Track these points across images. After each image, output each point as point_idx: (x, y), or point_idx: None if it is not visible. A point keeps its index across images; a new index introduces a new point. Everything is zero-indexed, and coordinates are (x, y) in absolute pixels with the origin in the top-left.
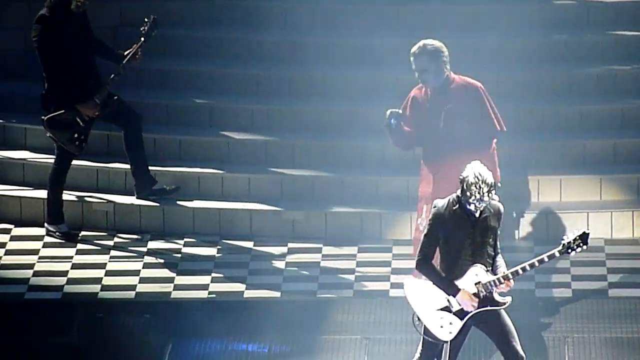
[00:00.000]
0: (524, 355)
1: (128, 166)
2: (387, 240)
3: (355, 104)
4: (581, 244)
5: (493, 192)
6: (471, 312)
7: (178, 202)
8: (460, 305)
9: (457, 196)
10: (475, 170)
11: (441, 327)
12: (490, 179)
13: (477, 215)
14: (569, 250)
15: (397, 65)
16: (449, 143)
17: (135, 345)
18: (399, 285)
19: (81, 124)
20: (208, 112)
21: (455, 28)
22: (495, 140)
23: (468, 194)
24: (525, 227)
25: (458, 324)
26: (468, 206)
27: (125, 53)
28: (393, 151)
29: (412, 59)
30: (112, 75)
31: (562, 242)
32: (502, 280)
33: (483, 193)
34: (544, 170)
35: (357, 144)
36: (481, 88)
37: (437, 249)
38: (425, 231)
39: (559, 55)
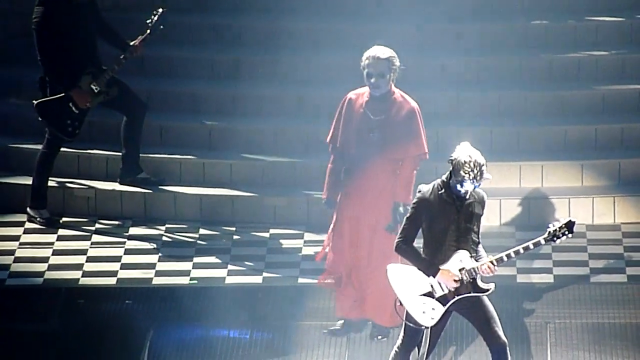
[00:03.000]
0: (506, 340)
1: (109, 152)
2: None
3: (338, 89)
4: (567, 232)
5: (485, 171)
6: (454, 298)
7: (159, 188)
8: (442, 286)
9: (443, 181)
10: (465, 150)
11: (423, 312)
12: (481, 159)
13: (466, 197)
14: (555, 239)
15: None
16: (373, 154)
17: (116, 331)
18: None
19: (75, 110)
20: (190, 97)
21: (436, 15)
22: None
23: (462, 173)
24: (506, 212)
25: (440, 309)
26: (459, 187)
27: (131, 43)
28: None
29: (368, 62)
30: (113, 64)
31: (548, 229)
32: (487, 267)
33: (477, 172)
34: (525, 156)
35: None
36: (417, 109)
37: (422, 234)
38: (408, 214)
39: (539, 41)
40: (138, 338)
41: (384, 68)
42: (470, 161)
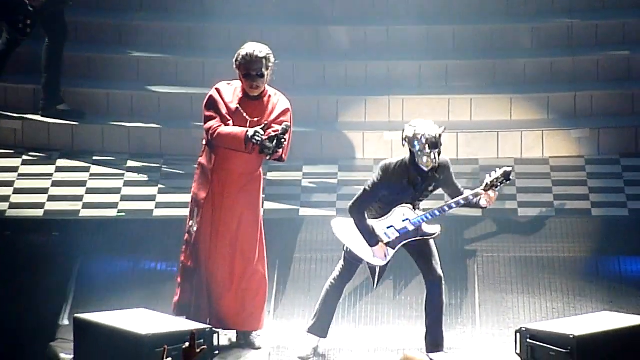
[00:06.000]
0: (441, 274)
1: (38, 85)
2: (297, 159)
3: (263, 24)
4: (504, 181)
5: (441, 138)
6: (402, 242)
7: (87, 121)
8: (388, 234)
9: (407, 158)
10: (414, 125)
11: (374, 256)
12: (435, 130)
13: (428, 170)
14: (493, 188)
15: None
16: (241, 154)
17: (43, 264)
18: (309, 204)
19: (30, 8)
20: (117, 30)
21: None
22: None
23: (418, 147)
24: None
25: (391, 252)
26: (422, 166)
27: None
28: (301, 70)
29: (245, 61)
30: None
31: (485, 181)
32: (429, 217)
33: (432, 143)
34: (454, 90)
35: None
36: (290, 110)
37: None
38: (370, 186)
39: None
40: (65, 270)
41: (262, 67)
42: (421, 134)
